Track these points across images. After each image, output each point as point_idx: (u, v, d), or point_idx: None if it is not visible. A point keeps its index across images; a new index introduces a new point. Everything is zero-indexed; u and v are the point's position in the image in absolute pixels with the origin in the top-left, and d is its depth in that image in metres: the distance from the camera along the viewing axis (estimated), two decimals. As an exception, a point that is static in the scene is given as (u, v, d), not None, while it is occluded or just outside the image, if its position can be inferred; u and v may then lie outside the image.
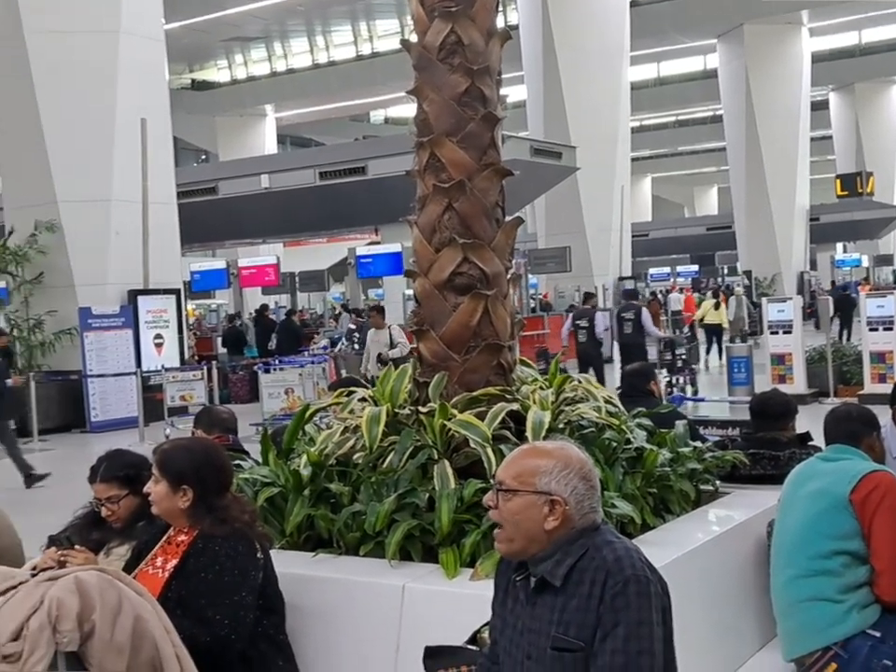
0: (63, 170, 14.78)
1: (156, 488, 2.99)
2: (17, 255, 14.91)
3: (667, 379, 13.92)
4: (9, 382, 10.72)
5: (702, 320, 20.17)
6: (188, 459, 3.00)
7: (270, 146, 38.06)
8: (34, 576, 2.56)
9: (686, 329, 21.51)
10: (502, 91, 4.05)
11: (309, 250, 34.31)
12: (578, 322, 14.43)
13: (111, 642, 2.37)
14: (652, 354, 14.41)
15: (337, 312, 26.24)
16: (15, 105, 15.19)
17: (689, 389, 13.72)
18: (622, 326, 14.40)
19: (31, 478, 10.29)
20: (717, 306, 19.84)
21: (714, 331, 19.94)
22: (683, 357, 14.38)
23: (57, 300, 14.94)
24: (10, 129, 15.54)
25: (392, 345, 11.58)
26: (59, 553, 2.87)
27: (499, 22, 4.09)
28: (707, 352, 19.74)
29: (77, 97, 14.64)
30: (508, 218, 4.01)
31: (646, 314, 14.65)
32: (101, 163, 14.84)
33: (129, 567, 3.02)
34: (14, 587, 2.50)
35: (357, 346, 17.30)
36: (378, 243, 21.20)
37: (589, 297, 15.81)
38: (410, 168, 4.04)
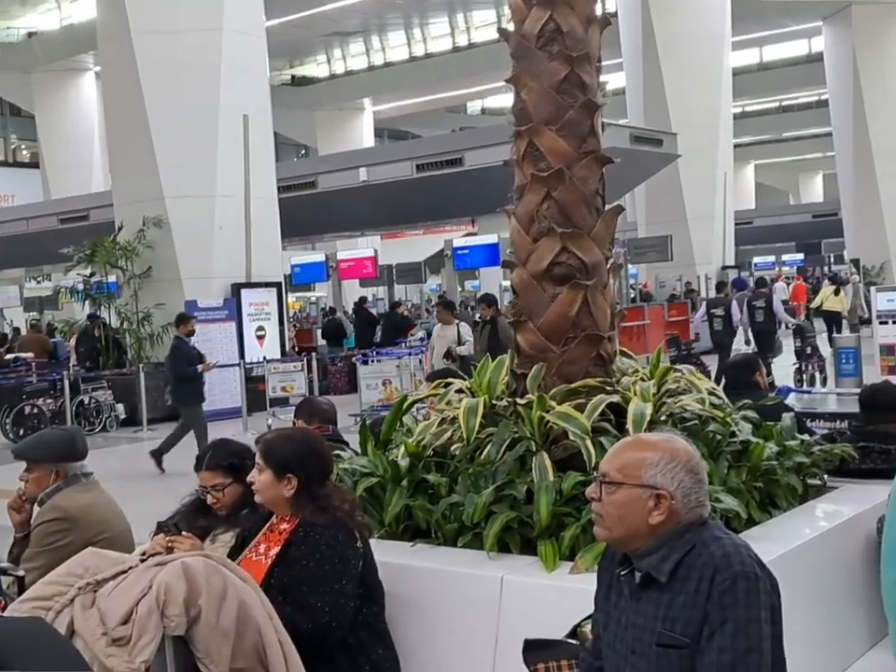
0: (169, 167, 15.16)
1: (260, 477, 3.04)
2: (126, 250, 15.35)
3: (797, 366, 13.80)
4: (199, 367, 11.14)
5: (819, 307, 19.71)
6: (291, 448, 3.05)
7: (367, 139, 38.40)
8: (143, 561, 2.63)
9: (801, 318, 21.00)
10: (601, 79, 3.99)
11: (406, 242, 34.53)
12: (713, 311, 14.61)
13: (217, 627, 2.42)
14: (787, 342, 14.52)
15: (434, 304, 26.35)
16: (124, 104, 15.66)
17: (818, 377, 13.47)
18: (753, 314, 14.40)
19: (159, 460, 10.64)
20: (836, 292, 19.35)
21: (833, 319, 19.51)
22: (813, 343, 14.14)
23: (164, 293, 15.35)
24: (119, 128, 16.04)
25: (460, 342, 11.57)
26: (167, 539, 2.94)
27: (598, 9, 4.02)
28: (830, 341, 19.35)
29: (182, 95, 15.00)
30: (607, 207, 3.95)
31: (777, 301, 14.72)
32: (205, 160, 15.18)
33: (233, 554, 3.08)
34: (124, 572, 2.57)
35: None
36: (475, 234, 21.18)
37: (723, 286, 15.99)
38: (507, 158, 4.00)
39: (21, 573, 3.16)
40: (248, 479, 3.09)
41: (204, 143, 15.17)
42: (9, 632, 1.14)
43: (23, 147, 41.72)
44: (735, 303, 14.68)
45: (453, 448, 3.68)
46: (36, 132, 32.57)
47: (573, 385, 3.64)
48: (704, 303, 16.05)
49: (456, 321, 11.99)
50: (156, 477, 10.53)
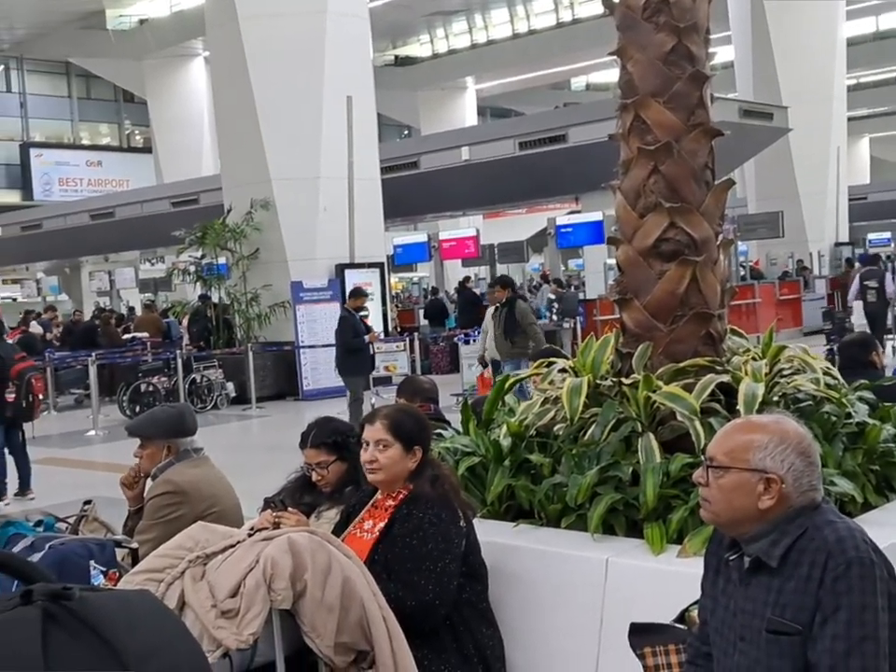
0: (276, 149, 15.41)
1: (387, 453, 3.02)
2: (235, 232, 15.69)
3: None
4: (366, 338, 11.44)
5: None
6: (413, 421, 3.09)
7: (470, 118, 38.32)
8: (250, 536, 2.67)
9: None
10: (710, 50, 3.86)
11: (508, 221, 34.39)
12: (866, 283, 14.42)
13: (322, 601, 2.44)
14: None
15: (535, 283, 26.20)
16: (231, 88, 15.97)
17: None
18: (865, 294, 13.98)
19: None
20: None
21: None
22: None
23: (271, 274, 15.65)
24: (227, 112, 16.37)
25: None
26: (273, 514, 2.99)
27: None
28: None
29: (288, 78, 15.21)
30: (717, 182, 3.83)
31: (889, 279, 14.24)
32: (310, 141, 15.37)
33: (338, 531, 3.11)
34: (232, 546, 2.62)
35: (556, 317, 17.23)
36: (578, 212, 20.96)
37: (875, 259, 15.60)
38: (613, 132, 3.92)
39: (134, 545, 3.26)
40: (366, 459, 3.07)
41: (309, 125, 15.36)
42: (116, 604, 1.15)
43: (137, 132, 43.02)
44: (888, 275, 14.37)
45: (556, 428, 3.64)
46: (149, 117, 33.50)
47: (681, 365, 3.56)
48: (857, 276, 15.65)
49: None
50: (263, 453, 10.77)
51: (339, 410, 11.24)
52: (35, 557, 3.01)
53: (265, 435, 13.32)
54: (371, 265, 16.18)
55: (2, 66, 40.00)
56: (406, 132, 44.44)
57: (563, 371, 3.88)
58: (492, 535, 3.23)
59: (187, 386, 14.57)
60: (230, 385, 15.05)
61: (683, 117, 3.70)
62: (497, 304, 10.88)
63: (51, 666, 1.07)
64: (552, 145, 18.66)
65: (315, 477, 3.58)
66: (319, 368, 15.56)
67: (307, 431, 3.63)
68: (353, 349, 11.34)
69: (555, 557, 3.11)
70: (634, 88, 3.76)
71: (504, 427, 3.70)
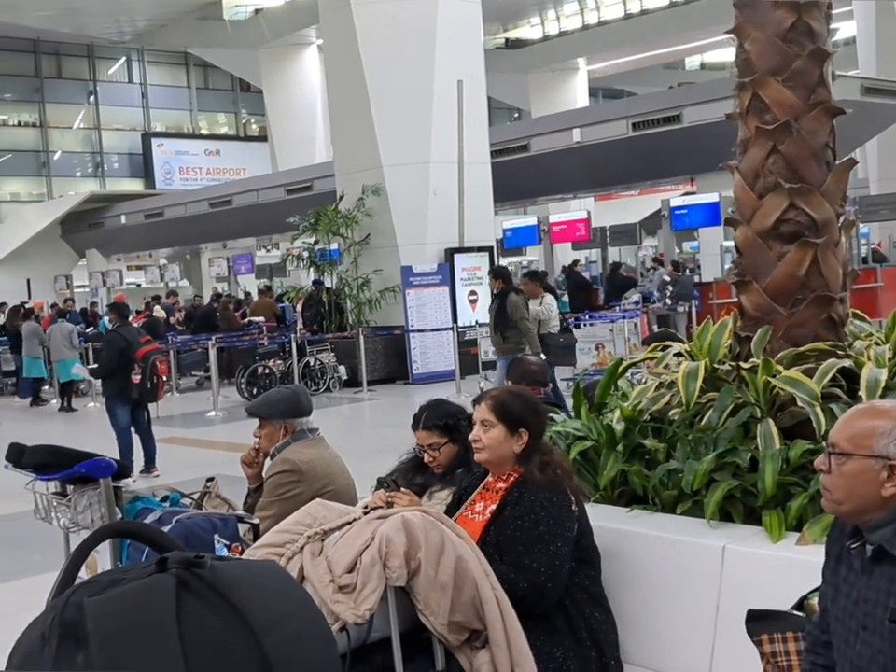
0: (387, 134, 15.55)
1: (491, 434, 3.05)
2: (347, 218, 15.92)
3: None
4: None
5: None
6: (521, 404, 3.08)
7: (581, 99, 37.90)
8: (365, 514, 2.73)
9: None
10: (831, 26, 3.74)
11: (620, 203, 33.91)
12: None
13: (435, 580, 2.48)
14: None
15: (649, 266, 25.79)
16: (344, 75, 16.18)
17: None
18: None
19: None
20: None
21: None
22: None
23: (382, 259, 15.83)
24: (340, 99, 16.59)
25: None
26: (387, 494, 3.04)
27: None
28: None
29: (399, 63, 15.31)
30: (838, 161, 3.71)
31: None
32: (420, 126, 15.46)
33: (449, 512, 3.14)
34: (349, 523, 2.68)
35: (669, 300, 16.94)
36: (693, 193, 20.53)
37: None
38: (730, 111, 3.84)
39: (255, 521, 3.36)
40: (471, 437, 3.12)
41: (420, 110, 15.44)
42: (245, 573, 1.19)
43: (253, 121, 44.00)
44: None
45: (671, 413, 3.59)
46: (264, 106, 34.21)
47: (801, 349, 3.47)
48: None
49: (542, 295, 11.39)
50: (374, 435, 10.94)
51: (447, 394, 11.33)
52: (164, 530, 3.14)
53: (376, 417, 13.52)
54: (480, 249, 16.20)
55: (124, 58, 41.41)
56: (516, 114, 44.24)
57: (678, 354, 3.82)
58: (605, 520, 3.22)
59: (301, 369, 14.89)
60: (342, 369, 15.31)
61: (803, 95, 3.59)
62: (493, 295, 10.60)
63: (185, 631, 1.11)
64: (666, 125, 18.32)
65: (426, 458, 3.62)
66: (428, 352, 15.69)
67: (419, 413, 3.68)
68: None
69: (671, 543, 3.08)
70: (752, 66, 3.67)
71: (617, 412, 3.67)
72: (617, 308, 16.08)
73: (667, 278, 17.55)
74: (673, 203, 19.10)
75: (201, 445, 11.16)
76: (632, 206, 31.84)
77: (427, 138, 15.55)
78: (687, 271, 19.57)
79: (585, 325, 13.91)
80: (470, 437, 3.14)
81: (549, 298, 11.12)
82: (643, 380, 4.06)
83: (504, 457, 3.07)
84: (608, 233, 25.05)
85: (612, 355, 12.32)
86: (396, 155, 15.52)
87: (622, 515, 3.32)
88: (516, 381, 4.60)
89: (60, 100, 39.77)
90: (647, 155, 18.93)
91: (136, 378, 9.03)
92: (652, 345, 4.11)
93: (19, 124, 39.60)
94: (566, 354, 10.27)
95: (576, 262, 21.90)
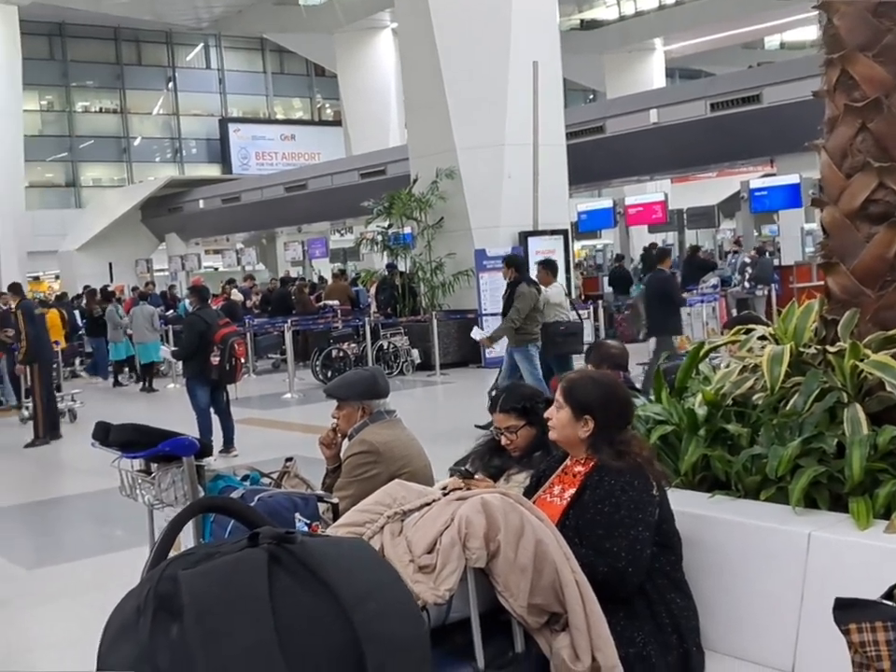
0: (461, 118, 15.52)
1: (558, 415, 3.05)
2: (421, 202, 15.96)
3: None
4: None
5: None
6: (593, 390, 3.04)
7: (658, 80, 37.34)
8: (444, 495, 2.73)
9: None
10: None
11: (698, 185, 33.34)
12: None
13: (515, 562, 2.47)
14: None
15: (728, 250, 25.35)
16: (419, 58, 16.18)
17: None
18: None
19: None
20: None
21: None
22: None
23: (455, 242, 15.84)
24: (415, 82, 16.60)
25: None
26: (461, 481, 3.04)
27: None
28: None
29: (474, 46, 15.26)
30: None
31: None
32: (495, 109, 15.40)
33: (527, 494, 3.13)
34: (428, 504, 2.69)
35: (748, 284, 16.65)
36: (773, 175, 20.10)
37: None
38: (812, 90, 3.73)
39: (335, 500, 3.39)
40: (546, 415, 3.12)
41: (494, 92, 15.38)
42: (333, 549, 1.20)
43: (328, 105, 44.34)
44: None
45: (755, 398, 3.52)
46: (339, 91, 34.42)
47: (890, 333, 3.36)
48: None
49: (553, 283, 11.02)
50: (448, 418, 10.97)
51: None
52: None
53: (449, 401, 13.56)
54: (554, 232, 16.10)
55: (201, 44, 42.05)
56: (591, 96, 43.79)
57: (762, 338, 3.74)
58: (686, 505, 3.17)
59: (374, 352, 15.00)
60: (415, 352, 15.39)
61: (894, 71, 3.48)
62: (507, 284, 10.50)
63: (277, 605, 1.12)
64: (745, 105, 17.95)
65: (504, 441, 3.61)
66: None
67: (497, 396, 3.68)
68: (675, 306, 11.31)
69: (754, 530, 3.02)
70: (840, 42, 3.56)
71: (699, 396, 3.61)
72: (695, 292, 15.84)
73: (747, 260, 17.25)
74: (752, 185, 18.73)
75: (277, 426, 11.33)
76: (710, 188, 31.30)
77: (502, 120, 15.49)
78: (767, 254, 19.17)
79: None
80: (546, 414, 3.14)
81: (556, 285, 10.91)
82: (724, 364, 3.98)
83: (571, 441, 3.05)
84: (685, 216, 24.69)
85: (690, 339, 12.15)
86: (470, 138, 15.49)
87: (703, 501, 3.27)
88: (596, 365, 4.55)
89: (140, 86, 40.59)
90: (725, 136, 18.58)
91: (215, 360, 9.20)
92: (735, 328, 4.03)
93: (100, 111, 40.55)
94: (569, 341, 10.21)
95: (653, 245, 21.61)
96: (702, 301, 13.61)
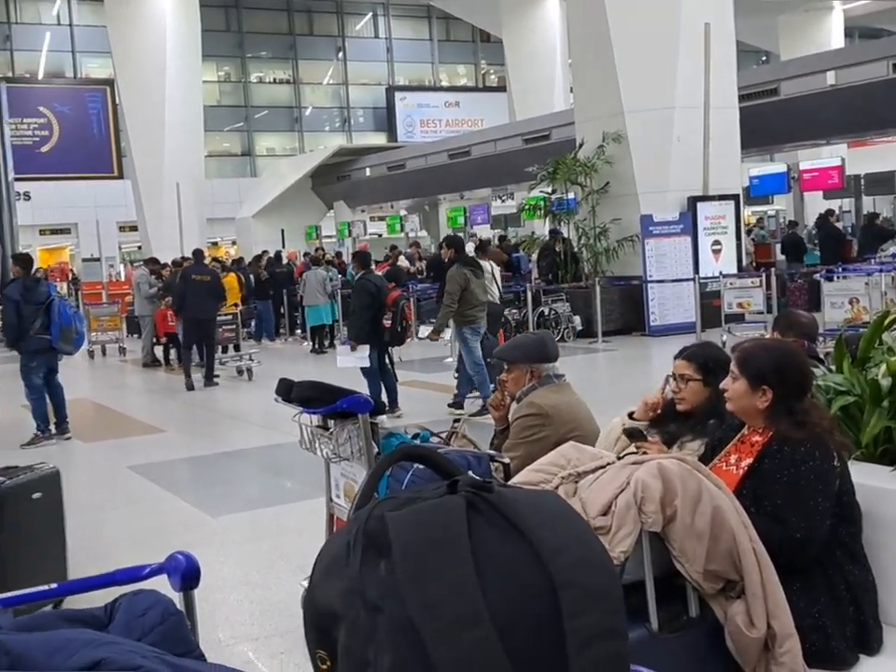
0: (630, 80, 15.25)
1: (734, 385, 3.00)
2: (586, 166, 15.80)
3: None
4: None
5: None
6: (769, 359, 2.97)
7: (836, 40, 35.50)
8: (620, 459, 2.75)
9: None
10: None
11: (877, 150, 31.62)
12: None
13: (692, 527, 2.47)
14: None
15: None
16: (587, 21, 15.97)
17: None
18: None
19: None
20: None
21: None
22: None
23: (621, 208, 15.61)
24: (583, 45, 16.40)
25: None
26: (634, 445, 3.04)
27: None
28: None
29: (644, 7, 14.94)
30: None
31: None
32: (665, 72, 15.05)
33: (702, 462, 3.10)
34: (602, 467, 2.71)
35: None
36: (962, 138, 18.87)
37: None
38: None
39: (506, 460, 3.46)
40: (721, 386, 3.07)
41: (664, 55, 15.03)
42: (529, 500, 1.25)
43: (492, 71, 44.28)
44: None
45: (944, 369, 3.37)
46: (504, 56, 34.31)
47: None
48: None
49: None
50: (610, 386, 10.90)
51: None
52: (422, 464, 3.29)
53: (612, 368, 13.46)
54: (723, 197, 15.64)
55: (370, 14, 42.68)
56: (764, 57, 42.06)
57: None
58: (867, 478, 3.07)
59: (535, 318, 15.01)
60: (576, 319, 15.31)
61: None
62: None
63: (476, 549, 1.17)
64: (932, 65, 16.89)
65: (672, 387, 3.57)
66: (667, 303, 15.39)
67: (688, 346, 3.66)
68: None
69: (940, 505, 2.90)
70: None
71: (883, 367, 3.47)
72: (873, 261, 15.09)
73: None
74: (938, 149, 17.63)
75: (438, 389, 11.53)
76: (890, 153, 29.63)
77: (672, 83, 15.13)
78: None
79: (838, 278, 13.15)
80: (721, 385, 3.09)
81: (485, 265, 10.66)
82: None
83: (748, 411, 2.99)
84: (862, 182, 23.48)
85: (867, 309, 11.61)
86: (638, 101, 15.21)
87: (885, 474, 3.16)
88: (783, 333, 4.41)
89: (311, 56, 41.60)
90: (910, 96, 17.53)
91: (387, 322, 9.45)
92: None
93: (274, 81, 41.83)
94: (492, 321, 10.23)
95: (830, 212, 20.69)
96: (880, 270, 12.93)
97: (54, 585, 1.91)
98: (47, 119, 35.78)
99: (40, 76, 37.10)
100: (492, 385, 9.20)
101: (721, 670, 2.59)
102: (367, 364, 9.50)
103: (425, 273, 21.23)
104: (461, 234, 29.08)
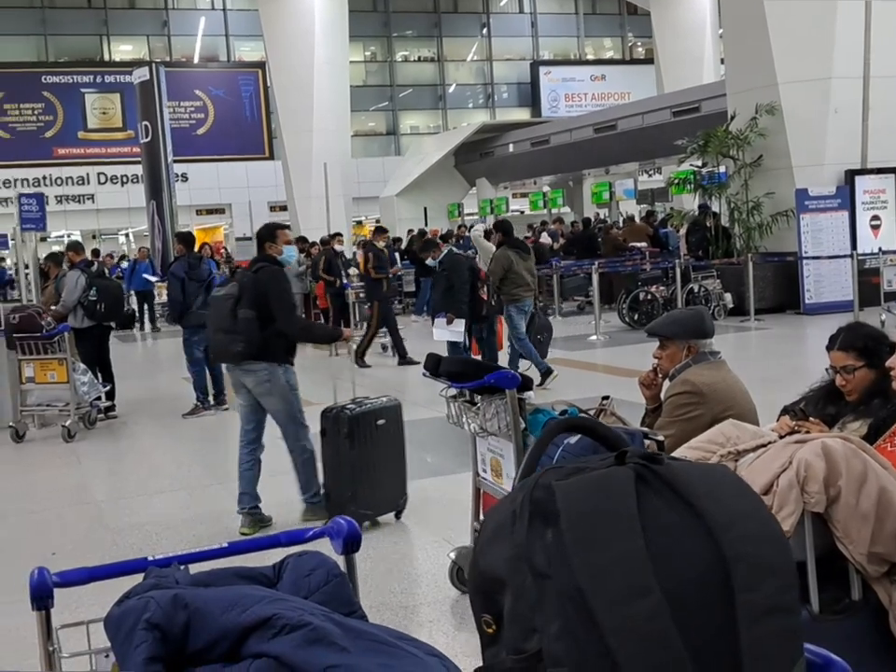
0: (784, 51, 14.69)
1: None
2: (738, 139, 15.32)
3: None
4: None
5: None
6: None
7: None
8: (781, 438, 2.67)
9: None
10: None
11: None
12: None
13: (856, 509, 2.38)
14: None
15: None
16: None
17: None
18: None
19: None
20: None
21: None
22: None
23: (775, 182, 15.09)
24: (735, 15, 15.88)
25: None
26: (793, 422, 2.95)
27: None
28: None
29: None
30: None
31: None
32: (821, 42, 14.44)
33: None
34: (763, 446, 2.64)
35: None
36: None
37: None
38: None
39: (660, 438, 3.41)
40: (888, 364, 2.95)
41: (822, 23, 14.41)
42: (699, 473, 1.24)
43: (639, 44, 43.39)
44: None
45: None
46: (651, 28, 33.56)
47: None
48: None
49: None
50: (764, 365, 10.59)
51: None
52: (573, 440, 3.29)
53: (765, 347, 13.06)
54: (882, 171, 14.91)
55: (515, -11, 42.42)
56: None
57: None
58: None
59: (684, 296, 14.69)
60: (727, 296, 14.91)
61: None
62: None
63: (644, 521, 1.17)
64: None
65: (838, 381, 3.44)
66: (823, 280, 14.83)
67: (836, 334, 3.51)
68: None
69: None
70: None
71: None
72: None
73: None
74: None
75: (582, 367, 11.45)
76: None
77: (829, 53, 14.48)
78: None
79: None
80: (888, 363, 2.96)
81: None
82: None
83: None
84: None
85: None
86: (793, 71, 14.63)
87: None
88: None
89: (455, 34, 41.71)
90: None
91: (484, 295, 9.99)
92: None
93: (418, 59, 42.16)
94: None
95: None
96: None
97: (225, 544, 2.00)
98: (202, 102, 37.10)
99: (196, 60, 38.46)
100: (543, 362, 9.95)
101: (885, 655, 2.50)
102: (460, 339, 10.08)
103: (566, 250, 21.05)
104: (605, 211, 28.75)
